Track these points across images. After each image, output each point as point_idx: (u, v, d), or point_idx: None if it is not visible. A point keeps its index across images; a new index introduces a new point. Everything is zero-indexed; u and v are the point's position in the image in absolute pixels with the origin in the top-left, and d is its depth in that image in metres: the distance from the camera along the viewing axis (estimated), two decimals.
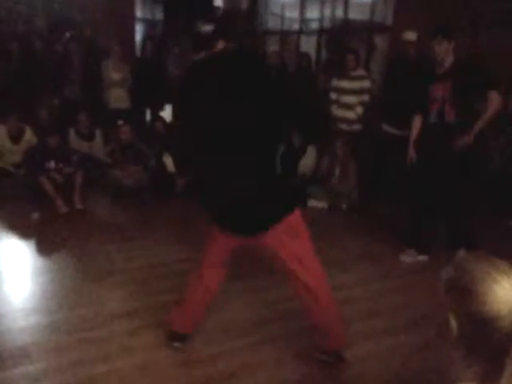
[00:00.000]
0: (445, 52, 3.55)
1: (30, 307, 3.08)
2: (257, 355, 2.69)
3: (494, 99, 3.54)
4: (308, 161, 5.64)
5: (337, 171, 5.31)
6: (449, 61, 3.58)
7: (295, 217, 2.35)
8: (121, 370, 2.51)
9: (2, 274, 3.49)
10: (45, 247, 4.01)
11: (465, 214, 3.89)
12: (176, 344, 2.68)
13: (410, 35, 5.08)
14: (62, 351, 2.63)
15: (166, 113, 6.65)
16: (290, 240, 2.36)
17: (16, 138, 5.36)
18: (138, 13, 9.02)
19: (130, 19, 8.48)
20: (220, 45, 2.33)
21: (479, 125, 3.59)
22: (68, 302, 3.14)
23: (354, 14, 7.29)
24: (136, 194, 5.06)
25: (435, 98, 3.65)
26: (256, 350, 2.73)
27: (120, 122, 5.49)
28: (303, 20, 8.24)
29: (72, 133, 5.61)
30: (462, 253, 1.19)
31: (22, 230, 4.33)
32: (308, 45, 7.99)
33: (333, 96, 5.59)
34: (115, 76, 6.14)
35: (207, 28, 2.33)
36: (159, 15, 9.96)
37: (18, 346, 2.66)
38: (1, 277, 3.45)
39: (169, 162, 5.47)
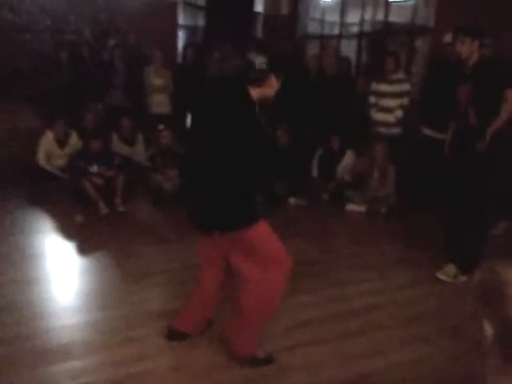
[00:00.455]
0: (467, 51, 3.42)
1: (73, 306, 3.19)
2: (294, 358, 2.69)
3: (510, 98, 3.37)
4: (346, 164, 5.61)
5: (375, 175, 5.25)
6: (472, 61, 3.45)
7: (250, 233, 2.39)
8: (157, 370, 2.57)
9: (47, 274, 3.63)
10: (87, 248, 4.14)
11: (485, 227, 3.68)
12: (174, 343, 2.76)
13: (451, 37, 4.97)
14: (101, 350, 2.71)
15: None
16: (243, 251, 2.45)
17: (62, 142, 5.58)
18: (180, 19, 9.19)
19: (173, 26, 8.66)
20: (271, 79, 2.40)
21: (494, 126, 3.41)
22: (108, 301, 3.23)
23: (395, 17, 7.19)
24: (175, 198, 5.16)
25: (460, 100, 3.57)
26: (293, 353, 2.73)
27: (161, 127, 5.62)
28: (343, 24, 8.19)
29: (115, 137, 5.78)
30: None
31: (67, 231, 4.50)
32: (348, 49, 7.93)
33: (372, 99, 5.55)
34: (157, 82, 6.29)
35: (261, 61, 2.35)
36: (201, 21, 10.11)
37: (61, 343, 2.76)
38: (47, 276, 3.59)
39: None
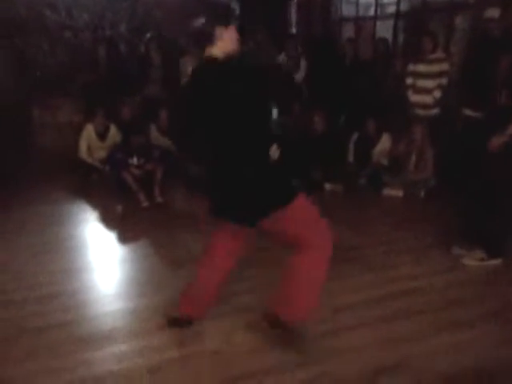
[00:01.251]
0: None
1: (115, 293, 3.31)
2: (338, 341, 2.71)
3: None
4: (382, 149, 5.52)
5: (413, 158, 5.15)
6: None
7: (294, 206, 2.38)
8: (197, 354, 2.63)
9: (91, 263, 3.77)
10: (128, 237, 4.26)
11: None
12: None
13: (493, 12, 4.78)
14: (143, 335, 2.80)
15: None
16: (288, 223, 2.41)
17: (102, 135, 5.75)
18: None
19: None
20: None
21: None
22: (149, 289, 3.33)
23: None
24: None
25: (499, 74, 3.42)
26: (337, 336, 2.76)
27: None
28: (379, 4, 8.00)
29: (153, 128, 5.89)
30: None
31: (108, 221, 4.65)
32: (384, 29, 7.74)
33: (409, 81, 5.42)
34: None
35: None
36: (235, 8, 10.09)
37: (105, 329, 2.87)
38: (90, 265, 3.72)
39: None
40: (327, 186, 5.40)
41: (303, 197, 2.46)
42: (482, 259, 3.57)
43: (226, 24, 2.37)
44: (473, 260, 3.59)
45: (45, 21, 7.41)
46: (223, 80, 2.28)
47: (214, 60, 2.36)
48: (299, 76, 6.47)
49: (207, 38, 2.36)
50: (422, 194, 5.05)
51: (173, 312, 2.86)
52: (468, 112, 4.94)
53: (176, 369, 2.53)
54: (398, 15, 7.57)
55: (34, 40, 7.30)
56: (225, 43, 2.37)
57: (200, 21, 2.36)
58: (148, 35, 6.64)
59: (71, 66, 6.56)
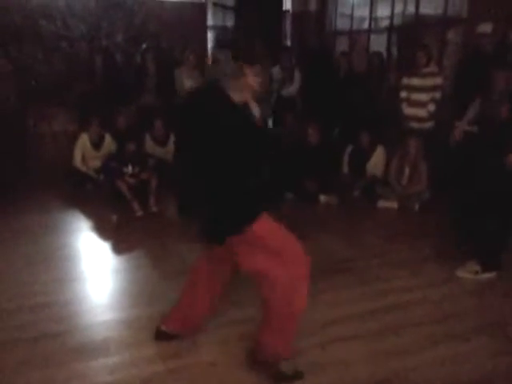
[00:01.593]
0: None
1: (109, 304, 3.29)
2: (327, 354, 2.70)
3: None
4: (377, 161, 5.56)
5: (406, 171, 5.18)
6: None
7: (254, 231, 2.26)
8: (191, 366, 2.61)
9: (84, 273, 3.74)
10: (122, 247, 4.24)
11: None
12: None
13: (485, 27, 4.87)
14: (136, 346, 2.78)
15: None
16: (250, 250, 2.32)
17: (97, 144, 5.74)
18: (209, 20, 9.27)
19: (202, 27, 8.75)
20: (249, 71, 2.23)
21: None
22: (142, 299, 3.31)
23: (426, 9, 7.07)
24: None
25: (495, 87, 3.43)
26: (326, 350, 2.74)
27: None
28: (373, 18, 8.11)
29: (148, 138, 5.89)
30: None
31: (102, 230, 4.63)
32: (378, 43, 7.84)
33: (403, 94, 5.48)
34: (187, 83, 6.36)
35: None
36: (230, 22, 10.18)
37: (98, 339, 2.84)
38: (83, 275, 3.70)
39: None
40: (322, 198, 5.42)
41: (264, 223, 2.30)
42: (477, 272, 3.58)
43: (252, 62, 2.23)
44: (467, 273, 3.60)
45: (40, 30, 7.43)
46: (222, 122, 2.19)
47: (224, 96, 2.22)
48: (293, 88, 6.52)
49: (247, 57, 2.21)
50: (417, 206, 5.08)
51: (162, 325, 2.82)
52: (461, 125, 4.99)
53: (170, 381, 2.50)
54: (391, 29, 7.68)
55: (28, 49, 7.30)
56: (248, 82, 2.23)
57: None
58: (144, 45, 6.67)
59: (67, 76, 6.56)
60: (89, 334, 2.90)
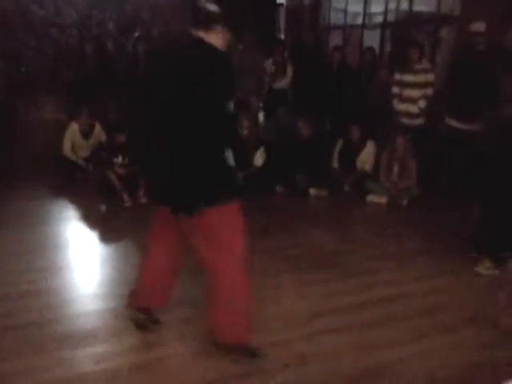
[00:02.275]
0: None
1: (96, 293, 3.28)
2: (312, 346, 2.71)
3: None
4: (367, 156, 5.58)
5: (395, 168, 5.20)
6: None
7: (221, 211, 2.23)
8: (177, 355, 2.62)
9: (72, 262, 3.72)
10: (110, 237, 4.23)
11: None
12: (140, 316, 2.77)
13: (479, 26, 4.89)
14: (122, 335, 2.77)
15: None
16: (203, 235, 2.33)
17: (87, 133, 5.70)
18: None
19: None
20: (217, 31, 2.23)
21: None
22: (129, 288, 3.26)
23: (420, 6, 7.09)
24: None
25: (505, 90, 3.47)
26: (311, 341, 2.75)
27: None
28: (367, 14, 8.11)
29: None
30: None
31: (91, 220, 4.60)
32: (371, 39, 7.85)
33: (395, 90, 5.50)
34: None
35: (211, 7, 2.22)
36: None
37: (85, 328, 2.83)
38: (71, 264, 3.68)
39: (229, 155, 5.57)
40: (312, 191, 5.43)
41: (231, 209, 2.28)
42: (488, 269, 3.60)
43: (227, 27, 2.25)
44: (484, 269, 3.61)
45: (30, 16, 7.32)
46: (196, 64, 2.12)
47: (198, 40, 2.18)
48: (285, 81, 6.51)
49: (208, 21, 2.20)
50: (405, 202, 5.11)
51: (134, 313, 2.80)
52: (453, 123, 5.03)
53: (156, 369, 2.51)
54: (385, 25, 7.69)
55: (18, 35, 7.19)
56: (217, 40, 2.23)
57: (210, 4, 2.22)
58: (136, 34, 6.61)
59: (57, 63, 6.48)
60: (76, 323, 2.89)
